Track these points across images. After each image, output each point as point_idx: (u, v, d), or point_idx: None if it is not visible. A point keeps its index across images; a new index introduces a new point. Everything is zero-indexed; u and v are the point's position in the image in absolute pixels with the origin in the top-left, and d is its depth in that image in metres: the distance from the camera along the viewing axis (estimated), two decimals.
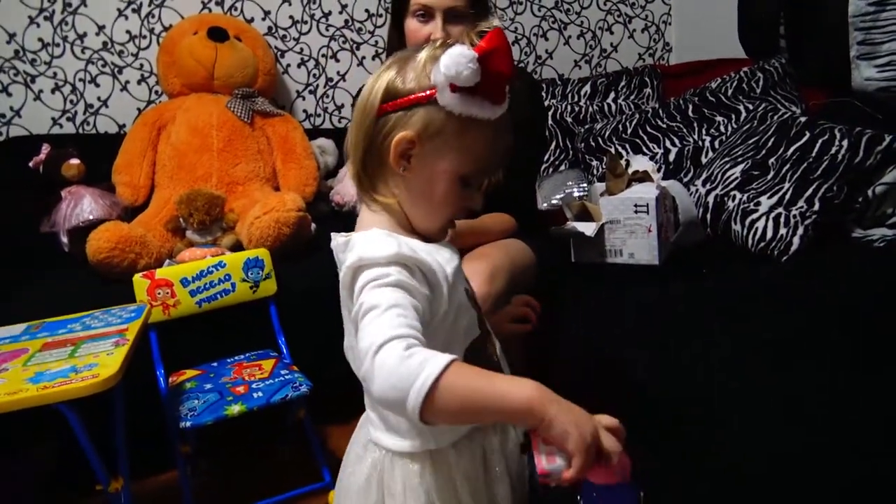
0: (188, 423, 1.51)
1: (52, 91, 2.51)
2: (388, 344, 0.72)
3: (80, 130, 2.56)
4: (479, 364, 0.78)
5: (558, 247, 1.76)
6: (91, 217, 2.17)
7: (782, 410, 1.15)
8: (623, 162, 1.99)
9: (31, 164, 2.24)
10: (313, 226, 2.15)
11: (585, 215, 1.75)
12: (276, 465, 1.89)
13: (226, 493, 1.77)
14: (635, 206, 1.66)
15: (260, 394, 1.58)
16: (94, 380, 1.14)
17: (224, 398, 1.57)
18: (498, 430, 0.93)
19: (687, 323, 1.47)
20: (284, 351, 1.82)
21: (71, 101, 2.54)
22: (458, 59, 0.79)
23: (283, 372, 1.68)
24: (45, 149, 2.26)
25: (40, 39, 2.47)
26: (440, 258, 0.86)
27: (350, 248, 0.84)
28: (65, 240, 2.17)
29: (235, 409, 1.54)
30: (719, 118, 2.12)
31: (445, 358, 0.71)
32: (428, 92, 0.82)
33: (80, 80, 2.53)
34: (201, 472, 1.78)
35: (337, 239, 0.89)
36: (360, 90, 0.91)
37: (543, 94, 2.65)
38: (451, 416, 0.74)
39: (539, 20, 2.95)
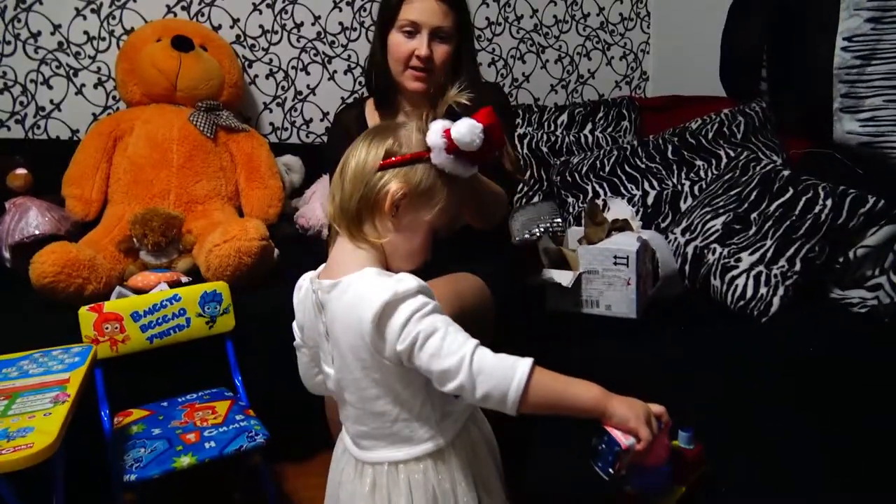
0: (133, 477, 1.40)
1: (1, 91, 2.36)
2: (477, 351, 0.89)
3: (30, 134, 2.41)
4: None
5: (517, 279, 1.70)
6: (37, 232, 2.04)
7: (757, 470, 1.13)
8: (601, 202, 1.94)
9: None
10: (276, 251, 2.05)
11: (562, 262, 1.69)
12: None
13: None
14: (615, 257, 1.61)
15: (212, 444, 1.48)
16: (28, 451, 1.03)
17: (173, 447, 1.47)
18: (477, 422, 1.08)
19: (661, 379, 1.43)
20: (241, 392, 1.72)
21: (21, 103, 2.39)
22: (472, 130, 0.97)
23: (238, 417, 1.58)
24: None
25: None
26: None
27: (346, 289, 0.95)
28: (7, 255, 2.04)
29: (185, 461, 1.43)
30: (699, 162, 2.08)
31: (529, 360, 0.90)
32: (424, 152, 0.98)
33: (32, 80, 2.38)
34: None
35: (321, 283, 0.99)
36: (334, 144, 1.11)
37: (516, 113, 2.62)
38: (537, 408, 0.90)
39: (517, 42, 2.89)
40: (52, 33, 2.37)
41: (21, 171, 2.12)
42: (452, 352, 0.89)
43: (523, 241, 2.19)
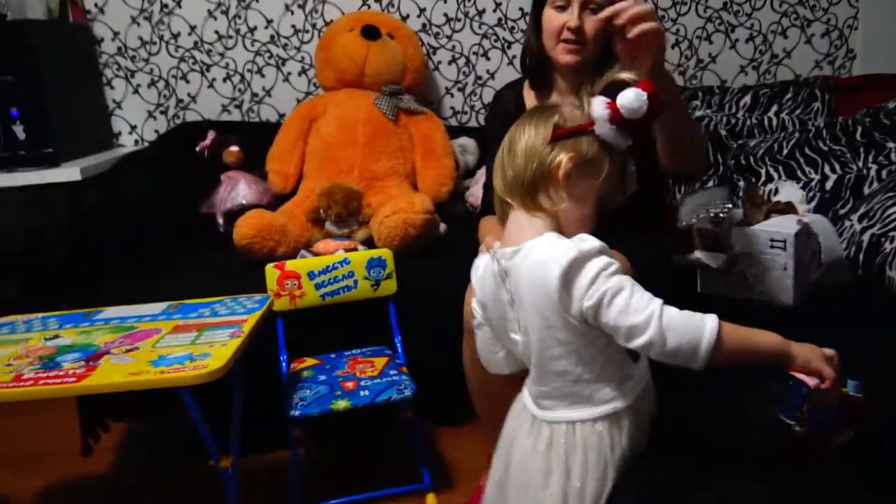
0: (297, 412, 1.60)
1: (224, 80, 2.73)
2: (665, 309, 0.95)
3: (246, 118, 2.76)
4: None
5: (667, 260, 1.67)
6: (244, 202, 2.35)
7: None
8: (772, 187, 1.85)
9: (197, 148, 2.45)
10: (443, 226, 2.19)
11: (716, 244, 1.64)
12: (382, 460, 1.96)
13: (329, 481, 1.85)
14: (771, 240, 1.54)
15: (366, 392, 1.64)
16: (203, 370, 1.24)
17: (333, 392, 1.65)
18: (650, 396, 1.12)
19: None
20: (399, 350, 1.87)
21: (239, 90, 2.74)
22: (639, 97, 1.04)
23: (392, 372, 1.73)
24: (211, 135, 2.46)
25: (216, 32, 2.68)
26: None
27: (528, 252, 1.03)
28: (220, 221, 2.37)
29: (341, 404, 1.60)
30: (891, 145, 1.89)
31: (714, 315, 0.95)
32: (588, 124, 1.06)
33: (249, 70, 2.73)
34: (311, 457, 1.88)
35: (503, 251, 1.08)
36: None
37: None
38: (727, 358, 0.95)
39: (704, 21, 2.78)
40: (266, 27, 2.69)
41: (234, 148, 2.44)
42: (640, 309, 0.94)
43: (688, 226, 2.13)
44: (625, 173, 1.28)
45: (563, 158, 1.04)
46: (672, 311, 0.95)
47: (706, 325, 0.94)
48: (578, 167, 1.05)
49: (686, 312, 0.95)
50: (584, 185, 1.07)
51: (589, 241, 0.99)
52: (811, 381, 0.97)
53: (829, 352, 1.00)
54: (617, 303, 0.95)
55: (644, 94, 1.05)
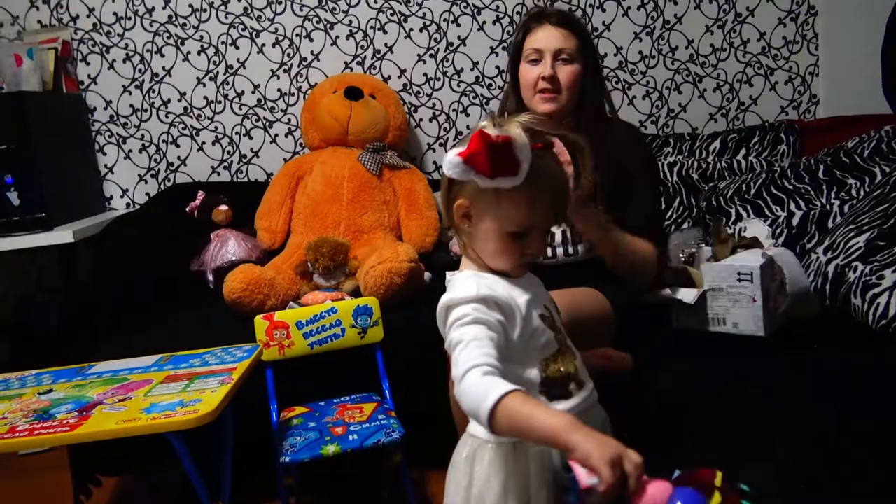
0: (287, 459, 1.63)
1: (213, 143, 2.82)
2: (468, 373, 0.94)
3: (235, 178, 2.85)
4: (551, 374, 1.06)
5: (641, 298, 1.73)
6: (234, 258, 2.41)
7: None
8: (742, 225, 1.93)
9: (187, 209, 2.52)
10: (427, 275, 2.24)
11: (688, 280, 1.71)
12: None
13: None
14: (739, 273, 1.60)
15: (355, 436, 1.67)
16: (194, 415, 1.28)
17: (322, 437, 1.68)
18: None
19: (784, 399, 1.39)
20: (387, 396, 1.91)
21: (228, 152, 2.83)
22: (450, 163, 0.98)
23: (380, 417, 1.77)
24: (200, 195, 2.53)
25: (205, 97, 2.78)
26: (514, 292, 1.05)
27: (448, 288, 1.07)
28: (210, 277, 2.42)
29: (331, 449, 1.63)
30: (851, 181, 1.98)
31: (504, 388, 0.91)
32: None
33: (237, 133, 2.82)
34: None
35: (447, 279, 1.12)
36: None
37: (646, 139, 2.58)
38: (508, 432, 0.94)
39: (673, 73, 2.91)
40: (253, 92, 2.80)
41: (223, 207, 2.52)
42: (458, 365, 0.96)
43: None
44: (557, 198, 1.09)
45: (457, 203, 1.05)
46: (471, 378, 0.94)
47: (487, 399, 0.91)
48: (473, 208, 1.04)
49: (485, 380, 0.93)
50: (483, 225, 1.05)
51: (466, 290, 1.01)
52: (587, 480, 0.85)
53: (633, 456, 0.85)
54: (453, 355, 0.98)
55: (456, 161, 0.97)
